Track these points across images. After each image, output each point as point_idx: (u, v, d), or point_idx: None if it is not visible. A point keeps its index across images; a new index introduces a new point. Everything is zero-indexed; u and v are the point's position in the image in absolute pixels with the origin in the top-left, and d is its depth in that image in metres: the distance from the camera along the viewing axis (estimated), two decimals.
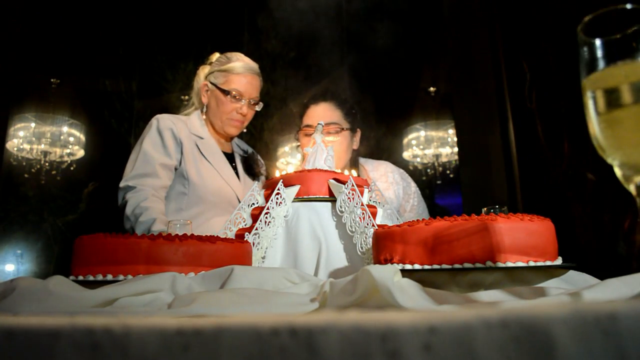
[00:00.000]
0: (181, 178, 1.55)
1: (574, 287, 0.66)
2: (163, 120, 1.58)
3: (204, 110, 1.68)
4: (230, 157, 1.70)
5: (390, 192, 1.66)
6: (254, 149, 1.86)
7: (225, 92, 1.60)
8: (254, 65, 1.68)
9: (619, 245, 1.73)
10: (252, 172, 1.72)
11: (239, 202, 1.59)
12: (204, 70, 1.70)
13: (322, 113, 1.65)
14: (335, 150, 1.60)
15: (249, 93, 1.63)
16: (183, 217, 1.51)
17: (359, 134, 1.73)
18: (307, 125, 1.64)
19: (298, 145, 1.75)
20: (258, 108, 1.68)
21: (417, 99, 3.69)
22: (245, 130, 1.74)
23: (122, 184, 1.49)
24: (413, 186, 1.73)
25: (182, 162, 1.55)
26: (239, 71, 1.63)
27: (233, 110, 1.62)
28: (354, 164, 1.74)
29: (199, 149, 1.59)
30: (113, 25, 3.43)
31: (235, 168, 1.68)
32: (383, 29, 3.24)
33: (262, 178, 1.77)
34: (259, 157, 1.81)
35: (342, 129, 1.64)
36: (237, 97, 1.61)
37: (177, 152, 1.55)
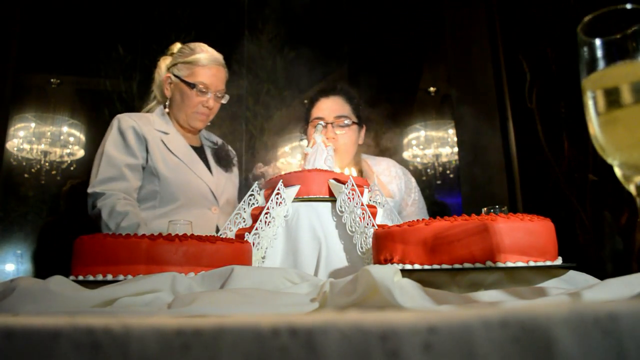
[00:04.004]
0: (151, 176, 1.50)
1: (574, 287, 0.66)
2: (124, 120, 1.53)
3: (167, 103, 1.61)
4: (199, 151, 1.65)
5: (394, 185, 1.68)
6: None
7: (191, 85, 1.55)
8: (218, 56, 1.62)
9: (615, 241, 1.73)
10: (223, 163, 1.67)
11: (213, 195, 1.57)
12: (165, 62, 1.63)
13: (332, 106, 1.64)
14: (343, 143, 1.62)
15: (215, 85, 1.57)
16: (158, 214, 1.48)
17: (364, 130, 1.74)
18: (318, 118, 1.63)
19: (302, 139, 1.74)
20: (224, 101, 1.63)
21: (417, 99, 3.69)
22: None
23: (89, 190, 1.44)
24: (413, 181, 1.76)
25: (148, 159, 1.50)
26: (204, 63, 1.57)
27: (199, 103, 1.56)
28: (356, 161, 1.74)
29: (165, 145, 1.54)
30: (113, 25, 3.43)
31: (206, 161, 1.64)
32: (383, 29, 3.24)
33: (235, 169, 1.73)
34: (229, 148, 1.75)
35: (352, 122, 1.64)
36: (203, 90, 1.56)
37: (142, 151, 1.50)
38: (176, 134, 1.59)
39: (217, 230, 1.55)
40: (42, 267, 3.28)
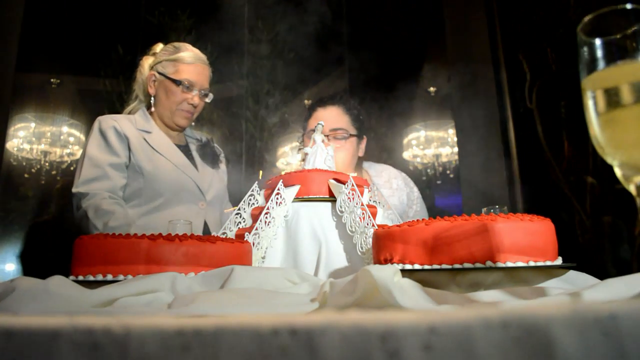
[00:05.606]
0: (135, 174, 1.49)
1: (574, 287, 0.66)
2: (105, 120, 1.53)
3: (152, 101, 1.62)
4: (184, 148, 1.64)
5: (395, 198, 1.63)
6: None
7: (177, 82, 1.55)
8: (202, 55, 1.63)
9: (622, 248, 1.73)
10: (208, 159, 1.67)
11: (201, 191, 1.57)
12: (148, 61, 1.64)
13: (329, 117, 1.59)
14: (341, 157, 1.56)
15: (200, 83, 1.58)
16: (144, 210, 1.48)
17: (364, 141, 1.68)
18: (314, 130, 1.61)
19: (300, 149, 1.72)
20: (208, 99, 1.63)
21: (417, 99, 3.69)
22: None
23: (74, 190, 1.44)
24: (416, 191, 1.70)
25: (131, 157, 1.50)
26: (190, 61, 1.58)
27: (184, 100, 1.57)
28: (358, 170, 1.70)
29: (148, 143, 1.54)
30: (113, 25, 3.43)
31: (191, 157, 1.63)
32: (383, 29, 3.24)
33: (222, 166, 1.72)
34: (215, 145, 1.75)
35: (350, 135, 1.59)
36: (189, 87, 1.56)
37: (125, 149, 1.50)
38: (159, 132, 1.59)
39: (205, 224, 1.55)
40: (42, 267, 3.28)
